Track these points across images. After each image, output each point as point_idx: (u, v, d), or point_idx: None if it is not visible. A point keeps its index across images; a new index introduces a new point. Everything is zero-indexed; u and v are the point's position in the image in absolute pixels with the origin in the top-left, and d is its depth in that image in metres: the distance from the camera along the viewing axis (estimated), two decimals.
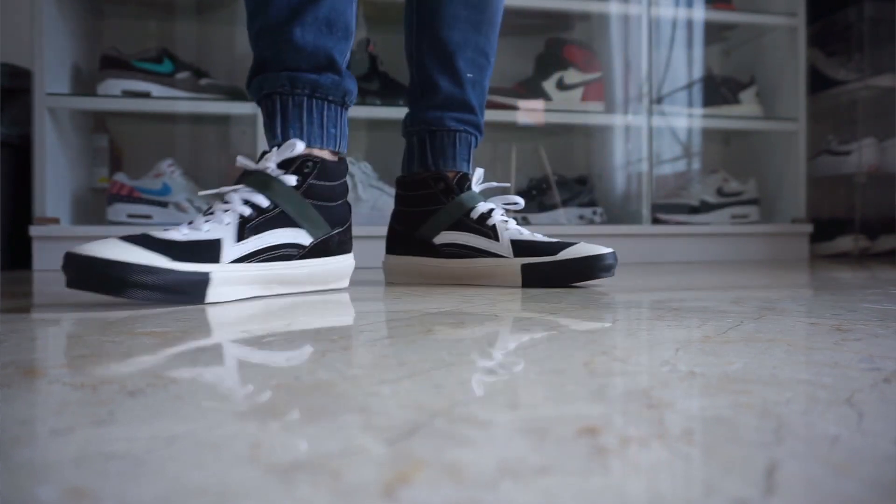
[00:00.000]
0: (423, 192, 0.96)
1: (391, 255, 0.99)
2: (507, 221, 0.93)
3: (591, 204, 1.67)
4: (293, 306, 0.68)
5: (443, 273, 0.94)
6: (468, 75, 0.96)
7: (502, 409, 0.29)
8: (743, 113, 1.76)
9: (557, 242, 0.88)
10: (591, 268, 0.86)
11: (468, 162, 0.98)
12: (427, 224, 0.95)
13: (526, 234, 0.91)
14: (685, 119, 1.78)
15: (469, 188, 0.95)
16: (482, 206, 0.93)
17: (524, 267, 0.88)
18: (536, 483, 0.21)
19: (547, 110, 1.64)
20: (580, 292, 0.82)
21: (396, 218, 1.00)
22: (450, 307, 0.66)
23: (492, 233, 0.91)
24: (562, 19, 1.76)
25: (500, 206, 0.95)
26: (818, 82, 1.88)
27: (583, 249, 0.86)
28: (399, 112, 1.60)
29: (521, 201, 0.97)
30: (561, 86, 1.66)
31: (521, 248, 0.89)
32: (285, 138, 0.80)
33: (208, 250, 0.69)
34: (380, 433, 0.25)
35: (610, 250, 0.87)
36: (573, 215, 1.65)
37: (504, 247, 0.90)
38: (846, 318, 0.57)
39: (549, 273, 0.87)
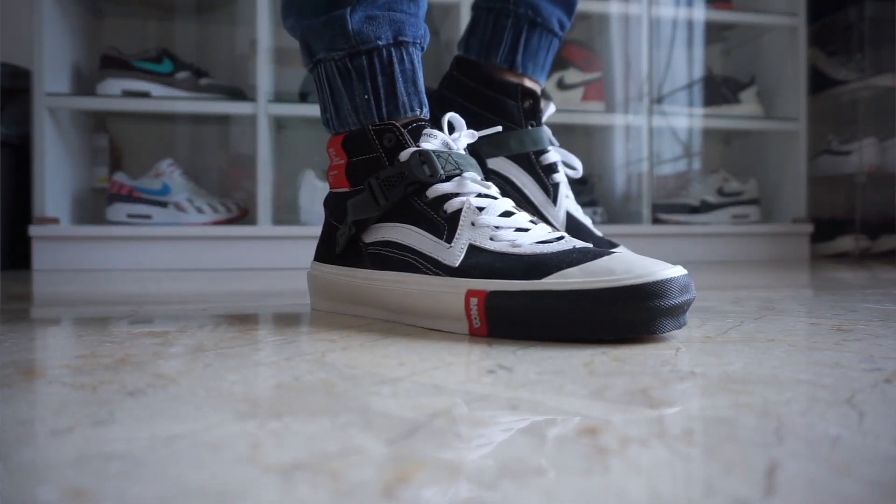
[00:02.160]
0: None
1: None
2: None
3: (592, 204, 1.67)
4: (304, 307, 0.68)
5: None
6: None
7: (502, 409, 0.29)
8: (743, 113, 1.76)
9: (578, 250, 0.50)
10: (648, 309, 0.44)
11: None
12: None
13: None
14: (685, 119, 1.78)
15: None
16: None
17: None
18: (536, 483, 0.21)
19: None
20: None
21: None
22: None
23: None
24: None
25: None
26: (818, 82, 1.88)
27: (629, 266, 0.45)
28: None
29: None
30: (561, 86, 1.66)
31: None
32: None
33: None
34: (380, 433, 0.25)
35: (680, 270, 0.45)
36: None
37: None
38: (847, 318, 0.56)
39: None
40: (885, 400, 0.30)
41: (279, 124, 1.60)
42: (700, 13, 1.77)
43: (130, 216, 1.46)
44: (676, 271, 0.44)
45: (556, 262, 0.45)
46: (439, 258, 0.50)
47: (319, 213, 1.49)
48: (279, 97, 1.51)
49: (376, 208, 0.54)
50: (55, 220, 1.40)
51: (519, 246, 0.48)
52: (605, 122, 1.70)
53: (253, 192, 1.49)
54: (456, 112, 0.60)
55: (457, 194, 0.52)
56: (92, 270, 1.35)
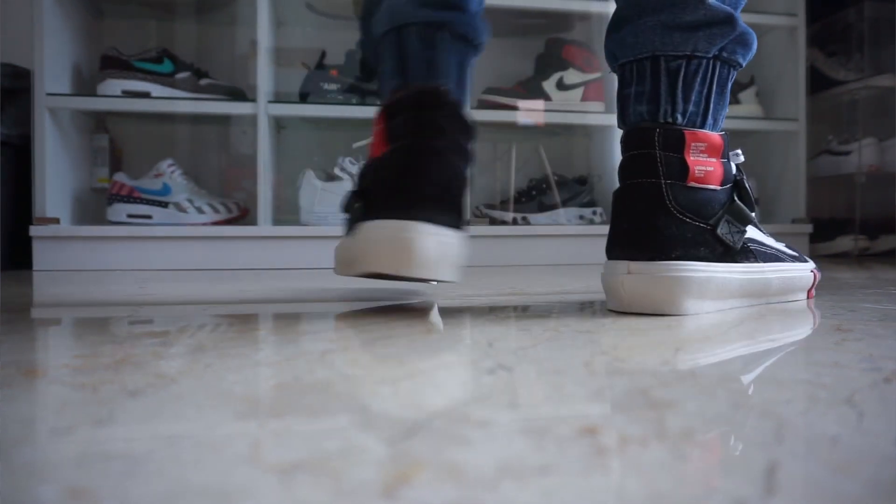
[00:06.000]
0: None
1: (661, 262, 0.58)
2: None
3: (591, 204, 1.67)
4: (304, 306, 0.68)
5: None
6: None
7: (502, 409, 0.29)
8: (743, 113, 1.76)
9: None
10: None
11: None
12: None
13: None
14: None
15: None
16: None
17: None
18: (536, 483, 0.21)
19: (547, 110, 1.64)
20: (592, 292, 0.81)
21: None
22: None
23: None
24: (562, 19, 1.76)
25: None
26: (818, 82, 1.88)
27: None
28: None
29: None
30: (561, 86, 1.66)
31: None
32: None
33: None
34: (380, 433, 0.25)
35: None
36: (573, 215, 1.65)
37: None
38: (846, 317, 0.57)
39: None
40: (884, 400, 0.30)
41: (279, 124, 1.60)
42: None
43: (131, 216, 1.46)
44: None
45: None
46: (784, 249, 0.68)
47: (319, 214, 1.49)
48: (279, 97, 1.51)
49: (748, 214, 0.62)
50: (56, 221, 1.40)
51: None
52: (605, 122, 1.70)
53: (253, 192, 1.49)
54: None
55: None
56: (92, 270, 1.35)
